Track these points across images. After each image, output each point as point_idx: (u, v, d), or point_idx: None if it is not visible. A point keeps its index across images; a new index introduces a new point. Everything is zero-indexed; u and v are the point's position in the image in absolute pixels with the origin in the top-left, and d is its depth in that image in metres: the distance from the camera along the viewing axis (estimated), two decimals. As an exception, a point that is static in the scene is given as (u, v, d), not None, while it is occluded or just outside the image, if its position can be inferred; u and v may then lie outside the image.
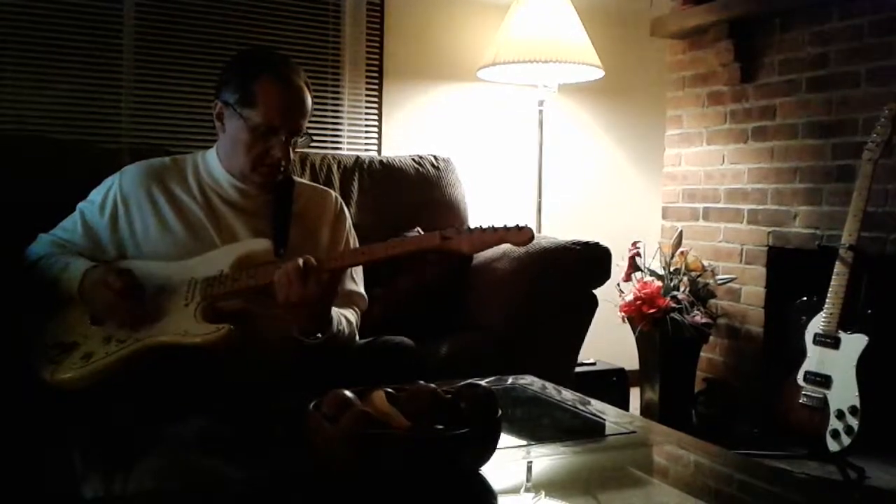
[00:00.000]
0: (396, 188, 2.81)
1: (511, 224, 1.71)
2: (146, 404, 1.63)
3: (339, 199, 2.10)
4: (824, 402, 2.61)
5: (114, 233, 1.90)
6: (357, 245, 2.09)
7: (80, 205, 1.96)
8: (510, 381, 1.90)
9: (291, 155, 1.91)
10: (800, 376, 2.69)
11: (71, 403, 1.66)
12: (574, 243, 2.47)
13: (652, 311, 3.17)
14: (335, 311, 1.82)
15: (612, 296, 3.16)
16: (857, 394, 2.54)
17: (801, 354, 2.70)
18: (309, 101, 1.90)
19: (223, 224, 1.91)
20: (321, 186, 2.17)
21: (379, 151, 3.24)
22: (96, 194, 1.95)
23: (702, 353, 3.41)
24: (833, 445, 2.56)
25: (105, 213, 1.90)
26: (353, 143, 3.22)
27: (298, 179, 2.09)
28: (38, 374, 1.70)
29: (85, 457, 1.38)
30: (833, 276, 2.65)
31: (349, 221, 2.10)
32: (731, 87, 3.48)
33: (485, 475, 1.26)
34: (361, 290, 2.03)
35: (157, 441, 1.45)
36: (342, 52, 3.18)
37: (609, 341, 3.29)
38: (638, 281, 3.30)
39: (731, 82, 3.46)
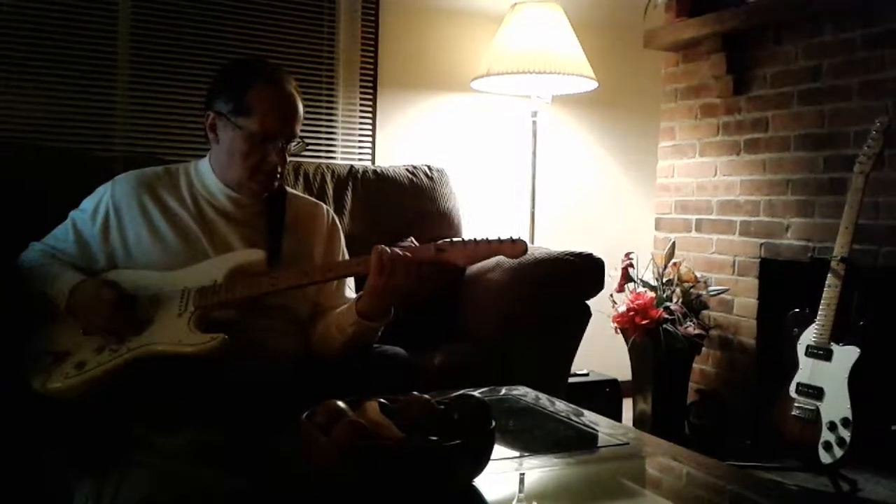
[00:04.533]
0: (390, 198, 2.81)
1: (505, 237, 1.73)
2: (139, 414, 1.62)
3: (331, 212, 2.11)
4: (816, 413, 2.61)
5: (105, 242, 1.89)
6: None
7: (72, 213, 1.96)
8: (503, 391, 1.90)
9: (287, 160, 1.93)
10: (792, 388, 2.69)
11: (62, 413, 1.65)
12: (567, 254, 2.47)
13: (645, 321, 3.17)
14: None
15: (605, 306, 3.16)
16: (849, 406, 2.54)
17: (794, 366, 2.71)
18: (301, 106, 1.92)
19: (216, 234, 1.91)
20: (312, 199, 2.18)
21: (373, 161, 3.24)
22: (88, 203, 1.95)
23: (694, 365, 3.42)
24: (825, 457, 2.56)
25: (97, 222, 1.90)
26: (346, 153, 3.22)
27: (290, 190, 2.09)
28: (28, 383, 1.69)
29: (76, 467, 1.37)
30: (825, 288, 2.66)
31: (341, 233, 2.11)
32: (724, 100, 3.49)
33: (478, 486, 1.26)
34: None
35: (150, 451, 1.45)
36: (336, 62, 3.18)
37: (602, 352, 3.30)
38: (631, 292, 3.30)
39: (723, 94, 3.48)
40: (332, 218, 2.10)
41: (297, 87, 1.93)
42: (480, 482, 1.26)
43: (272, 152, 1.87)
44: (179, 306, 1.75)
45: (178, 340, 1.70)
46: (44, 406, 1.67)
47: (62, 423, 1.62)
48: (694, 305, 3.30)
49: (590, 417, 1.75)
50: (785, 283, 3.21)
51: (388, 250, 1.74)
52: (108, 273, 1.86)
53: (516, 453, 1.51)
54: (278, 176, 1.93)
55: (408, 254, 1.74)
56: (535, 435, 1.70)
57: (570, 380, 2.75)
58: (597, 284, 2.50)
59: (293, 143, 1.91)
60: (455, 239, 1.77)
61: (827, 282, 2.66)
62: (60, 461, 1.41)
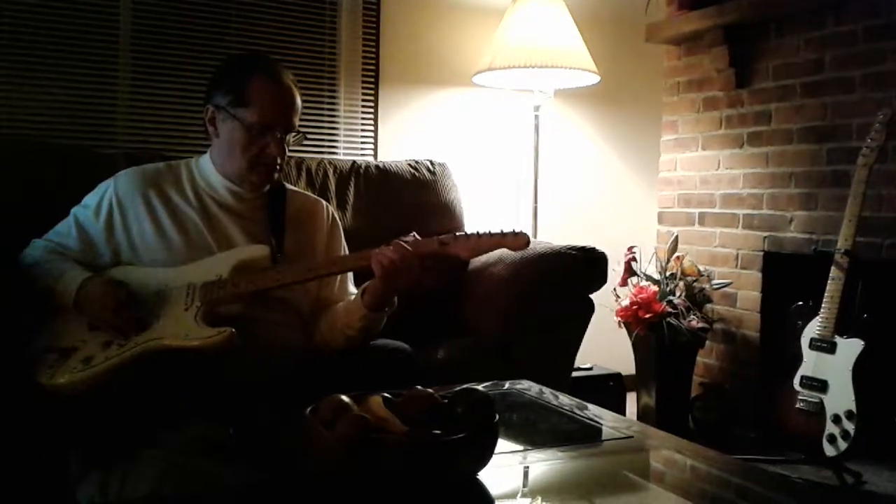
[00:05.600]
0: (392, 193, 2.81)
1: (508, 229, 1.73)
2: (145, 408, 1.62)
3: (331, 209, 2.12)
4: (820, 406, 2.61)
5: (109, 237, 1.90)
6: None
7: (75, 209, 1.96)
8: (507, 385, 1.90)
9: (286, 153, 1.93)
10: (796, 381, 2.69)
11: (68, 408, 1.65)
12: (570, 248, 2.47)
13: (648, 315, 3.17)
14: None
15: (608, 301, 3.16)
16: (853, 398, 2.54)
17: (798, 359, 2.71)
18: (299, 99, 1.93)
19: (219, 228, 1.91)
20: (312, 195, 2.19)
21: (375, 156, 3.24)
22: (91, 199, 1.95)
23: (698, 358, 3.42)
24: (829, 450, 2.56)
25: (100, 218, 1.90)
26: (349, 148, 3.22)
27: (290, 186, 2.10)
28: (34, 379, 1.69)
29: (82, 461, 1.37)
30: (829, 281, 2.66)
31: (341, 229, 2.12)
32: (727, 93, 3.49)
33: (482, 480, 1.26)
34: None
35: (156, 445, 1.45)
36: (338, 57, 3.18)
37: (605, 346, 3.29)
38: (634, 286, 3.30)
39: (726, 88, 3.47)
40: (332, 214, 2.11)
41: (296, 81, 1.94)
42: (484, 476, 1.26)
43: (271, 144, 1.88)
44: (185, 301, 1.76)
45: (185, 334, 1.70)
46: (50, 402, 1.67)
47: (68, 419, 1.62)
48: (697, 299, 3.30)
49: (593, 411, 1.75)
50: (788, 277, 3.21)
51: (387, 254, 1.74)
52: (114, 270, 1.86)
53: (520, 447, 1.52)
54: (278, 168, 1.93)
55: (408, 247, 1.74)
56: (539, 429, 1.70)
57: (574, 374, 2.75)
58: (600, 278, 2.50)
59: (292, 136, 1.92)
60: (458, 233, 1.78)
61: (830, 274, 2.66)
62: (66, 457, 1.41)
